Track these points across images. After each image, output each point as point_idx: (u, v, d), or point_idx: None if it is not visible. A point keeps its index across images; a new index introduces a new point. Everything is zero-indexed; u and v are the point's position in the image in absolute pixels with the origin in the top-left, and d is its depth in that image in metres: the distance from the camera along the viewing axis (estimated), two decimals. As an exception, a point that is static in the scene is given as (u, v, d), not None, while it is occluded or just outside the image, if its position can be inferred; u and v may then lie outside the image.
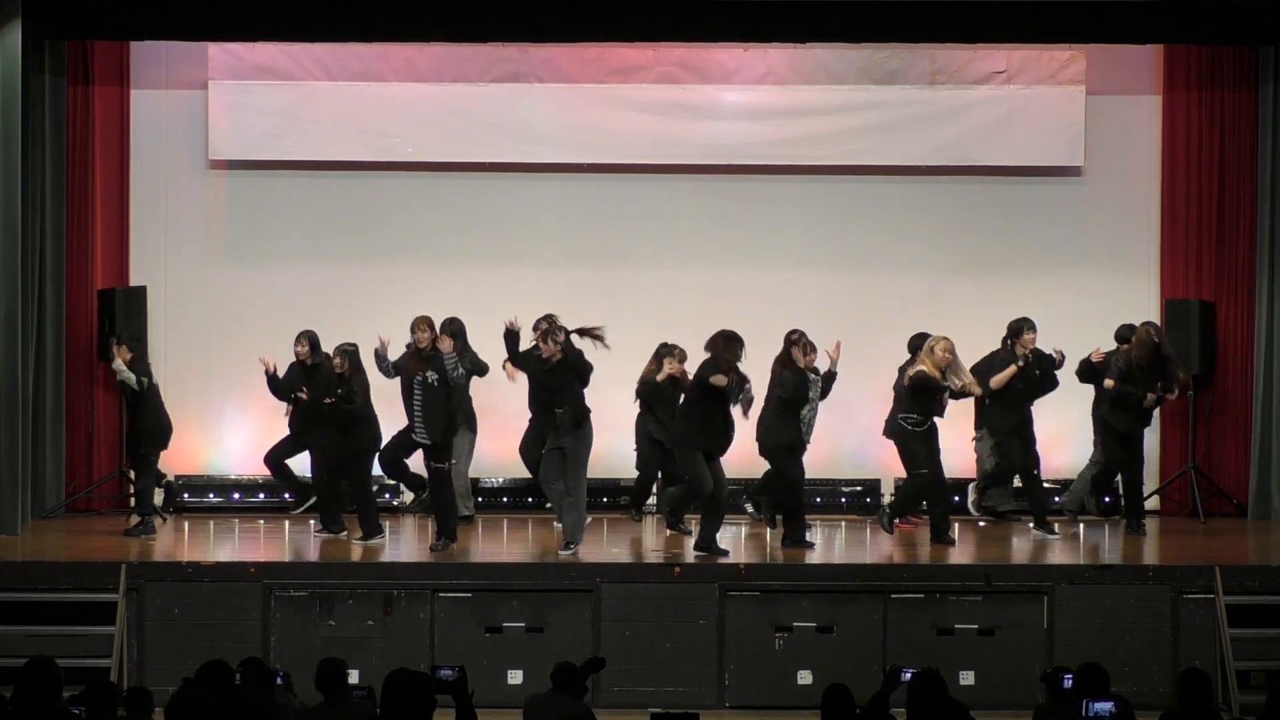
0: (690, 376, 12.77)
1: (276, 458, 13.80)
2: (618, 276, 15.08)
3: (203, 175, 15.16)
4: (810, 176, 15.23)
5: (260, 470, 14.20)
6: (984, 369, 13.52)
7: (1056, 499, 14.38)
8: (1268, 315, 14.51)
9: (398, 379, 12.92)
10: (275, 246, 15.20)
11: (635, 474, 14.15)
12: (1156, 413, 14.05)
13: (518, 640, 12.00)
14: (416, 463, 13.37)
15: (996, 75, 15.08)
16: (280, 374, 13.40)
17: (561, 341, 12.33)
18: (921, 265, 15.20)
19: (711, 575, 12.13)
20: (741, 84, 15.13)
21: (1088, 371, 13.82)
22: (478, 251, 15.11)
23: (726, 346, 12.41)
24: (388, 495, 14.41)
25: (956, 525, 13.47)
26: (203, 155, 15.09)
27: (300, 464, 13.84)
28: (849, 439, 14.79)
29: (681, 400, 13.03)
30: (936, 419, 13.12)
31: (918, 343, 13.46)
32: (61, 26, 14.01)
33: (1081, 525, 13.97)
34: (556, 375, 12.41)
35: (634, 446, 13.96)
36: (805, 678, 11.92)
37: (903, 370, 13.34)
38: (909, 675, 7.91)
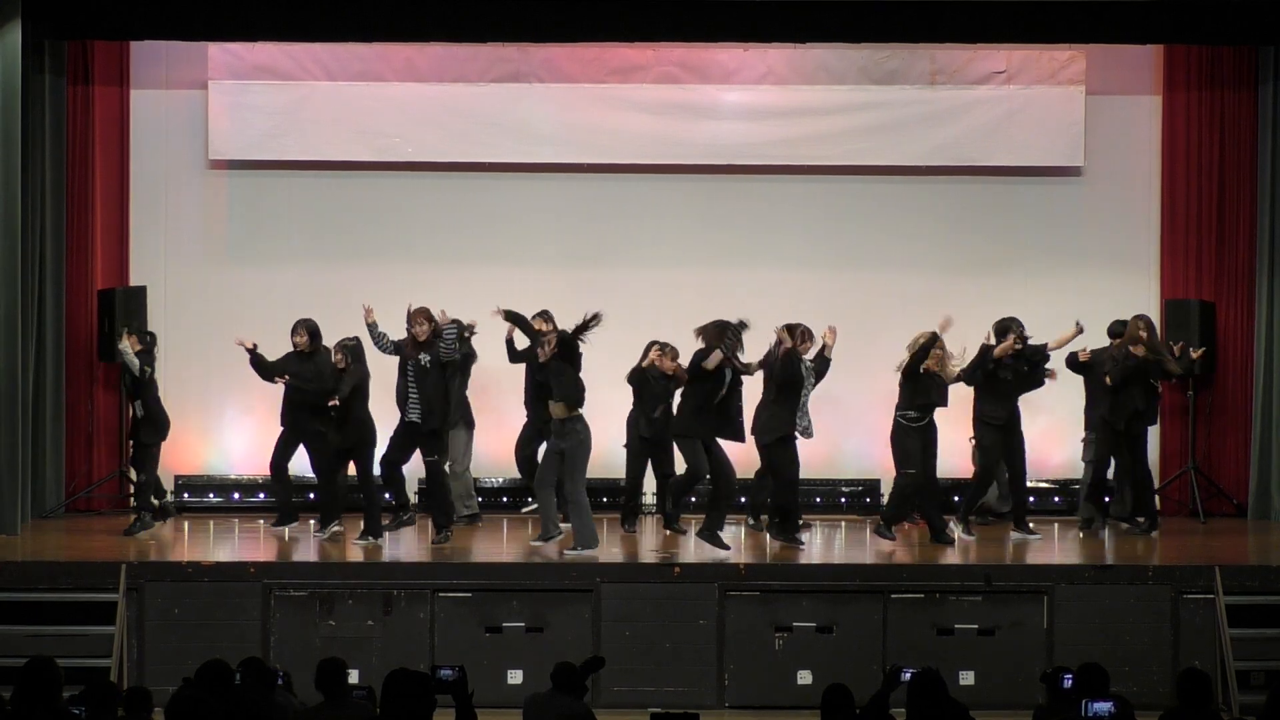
0: (685, 369, 12.85)
1: (280, 462, 13.60)
2: (618, 276, 15.08)
3: (203, 175, 15.17)
4: (810, 176, 15.23)
5: (260, 470, 14.19)
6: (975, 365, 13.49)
7: (1056, 499, 14.35)
8: (1268, 315, 14.52)
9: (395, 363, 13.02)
10: (275, 246, 15.22)
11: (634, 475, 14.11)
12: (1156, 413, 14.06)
13: (518, 640, 12.00)
14: (416, 465, 13.33)
15: (996, 75, 15.09)
16: (268, 357, 13.36)
17: (554, 347, 12.59)
18: (921, 265, 15.20)
19: (711, 575, 12.13)
20: (741, 84, 15.13)
21: (1078, 363, 13.82)
22: (477, 251, 15.12)
23: (718, 334, 12.44)
24: (388, 496, 14.37)
25: (957, 532, 13.41)
26: (203, 155, 15.10)
27: (300, 464, 13.77)
28: (849, 439, 14.80)
29: (681, 390, 13.09)
30: (935, 414, 13.15)
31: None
32: (61, 26, 14.03)
33: (1106, 532, 13.71)
34: (551, 362, 12.65)
35: (624, 443, 13.87)
36: (805, 678, 11.92)
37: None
38: (909, 675, 7.91)
